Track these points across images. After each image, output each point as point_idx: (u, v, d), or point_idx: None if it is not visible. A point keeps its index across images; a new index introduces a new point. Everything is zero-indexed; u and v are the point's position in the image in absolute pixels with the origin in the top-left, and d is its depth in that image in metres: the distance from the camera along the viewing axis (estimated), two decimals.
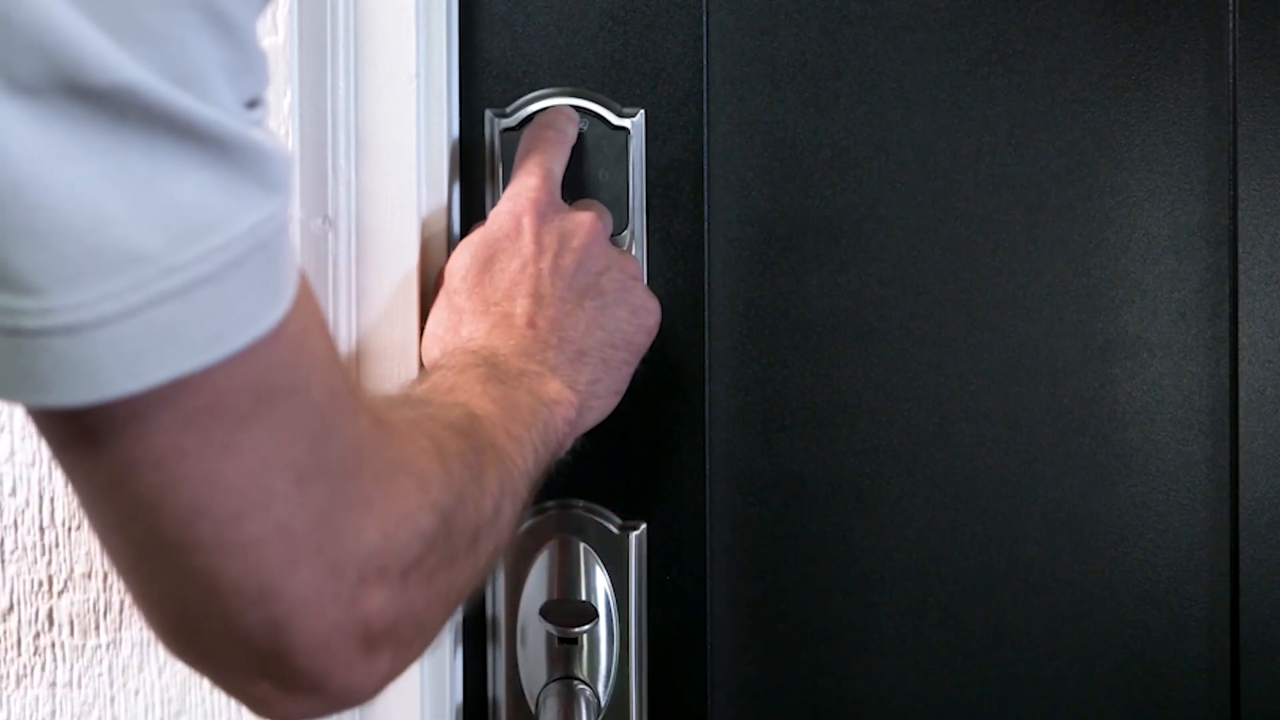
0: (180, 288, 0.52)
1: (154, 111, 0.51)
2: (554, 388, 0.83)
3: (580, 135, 0.97)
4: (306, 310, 0.59)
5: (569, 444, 0.85)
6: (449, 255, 0.96)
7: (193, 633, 0.60)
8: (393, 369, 0.94)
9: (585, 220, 0.90)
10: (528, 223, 0.89)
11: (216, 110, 0.53)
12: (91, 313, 0.51)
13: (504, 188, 0.97)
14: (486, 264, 0.88)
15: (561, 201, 0.93)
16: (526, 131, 0.95)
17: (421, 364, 0.91)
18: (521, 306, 0.86)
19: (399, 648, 0.63)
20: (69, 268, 0.51)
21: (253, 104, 0.56)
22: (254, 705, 0.62)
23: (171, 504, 0.55)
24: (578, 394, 0.85)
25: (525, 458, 0.77)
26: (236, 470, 0.56)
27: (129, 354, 0.52)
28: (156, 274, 0.52)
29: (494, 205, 0.97)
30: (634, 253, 0.97)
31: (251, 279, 0.54)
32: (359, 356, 0.94)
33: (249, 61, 0.55)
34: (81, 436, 0.55)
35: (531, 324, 0.85)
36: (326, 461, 0.59)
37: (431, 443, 0.68)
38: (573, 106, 0.97)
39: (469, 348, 0.84)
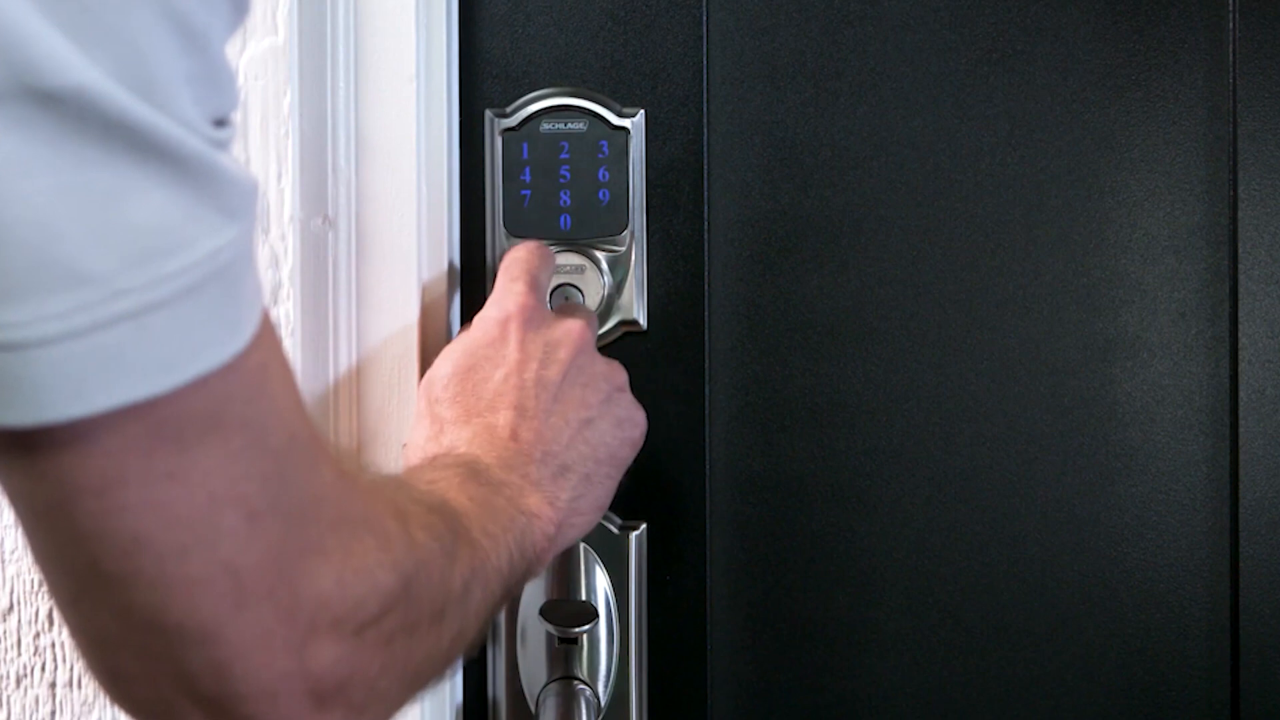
0: (130, 312, 0.51)
1: (113, 122, 0.50)
2: (534, 501, 0.81)
3: (580, 135, 0.97)
4: (268, 348, 0.57)
5: (546, 561, 0.82)
6: (450, 255, 0.96)
7: (134, 675, 0.58)
8: (393, 368, 0.94)
9: (573, 330, 0.88)
10: (513, 329, 0.86)
11: (179, 127, 0.52)
12: (36, 331, 0.50)
13: (503, 190, 0.97)
14: (469, 372, 0.86)
15: (548, 310, 0.91)
16: (511, 249, 0.93)
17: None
18: (505, 418, 0.84)
19: (350, 711, 0.60)
20: (14, 283, 0.49)
21: (220, 123, 0.55)
22: None
23: (112, 533, 0.54)
24: (558, 510, 0.82)
25: (500, 556, 0.75)
26: (181, 501, 0.54)
27: (74, 376, 0.50)
28: (106, 296, 0.50)
29: (493, 205, 0.97)
30: (634, 253, 0.97)
31: (207, 307, 0.53)
32: (359, 356, 0.94)
33: (216, 78, 0.54)
34: (22, 458, 0.53)
35: (515, 436, 0.83)
36: (281, 503, 0.57)
37: (396, 509, 0.66)
38: (573, 106, 0.97)
39: (451, 453, 0.82)
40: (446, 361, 0.87)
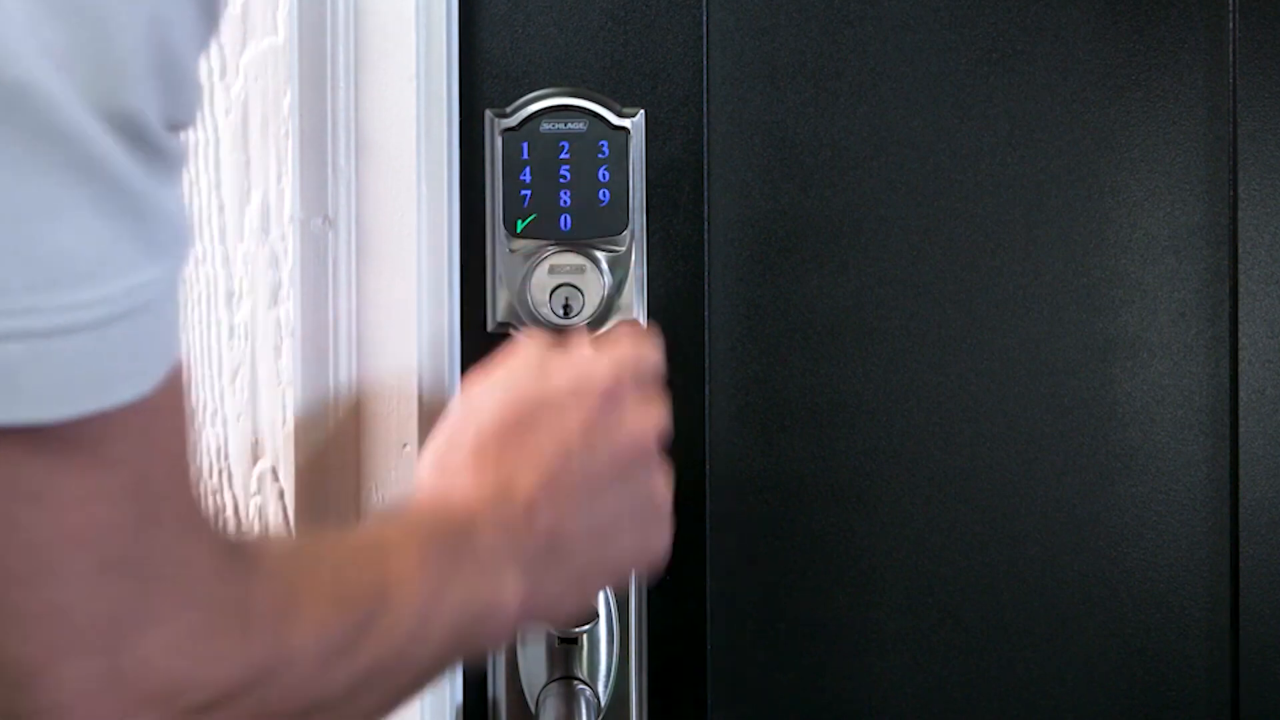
0: (26, 332, 0.48)
1: (54, 130, 0.47)
2: (509, 592, 0.72)
3: (580, 135, 0.97)
4: (170, 402, 0.54)
5: (501, 646, 0.77)
6: (450, 255, 0.96)
7: None
8: (392, 368, 0.94)
9: (645, 433, 0.80)
10: (590, 407, 0.78)
11: (123, 154, 0.49)
12: None
13: (503, 190, 0.97)
14: (527, 421, 0.77)
15: (637, 392, 0.81)
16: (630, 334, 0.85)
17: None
18: (531, 484, 0.75)
19: None
20: None
21: (174, 128, 0.52)
22: None
23: None
24: (530, 606, 0.74)
25: (429, 645, 0.68)
26: (39, 526, 0.51)
27: None
28: (3, 312, 0.47)
29: (493, 205, 0.97)
30: (634, 253, 0.97)
31: (114, 345, 0.50)
32: (359, 355, 0.94)
33: (177, 77, 0.51)
34: None
35: (530, 508, 0.75)
36: (135, 561, 0.54)
37: (288, 600, 0.61)
38: (573, 106, 0.97)
39: (450, 501, 0.75)
40: (510, 389, 0.79)
